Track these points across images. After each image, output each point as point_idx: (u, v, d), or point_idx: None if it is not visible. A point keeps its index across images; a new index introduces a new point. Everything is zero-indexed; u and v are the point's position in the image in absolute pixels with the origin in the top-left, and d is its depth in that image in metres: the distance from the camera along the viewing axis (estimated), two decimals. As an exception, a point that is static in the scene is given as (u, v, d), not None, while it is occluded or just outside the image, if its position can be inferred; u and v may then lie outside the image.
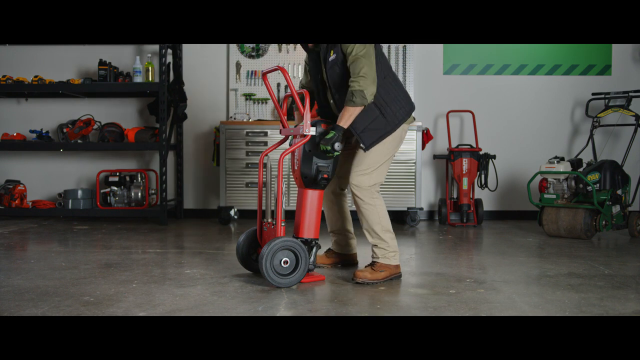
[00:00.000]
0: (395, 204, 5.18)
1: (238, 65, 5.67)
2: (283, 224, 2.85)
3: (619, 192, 4.63)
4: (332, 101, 3.06)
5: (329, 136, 2.80)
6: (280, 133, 3.16)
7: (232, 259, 3.47)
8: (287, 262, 2.78)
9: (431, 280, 3.00)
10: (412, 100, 3.08)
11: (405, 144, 4.98)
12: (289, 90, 4.32)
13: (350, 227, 3.33)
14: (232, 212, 5.23)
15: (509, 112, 5.73)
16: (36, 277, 2.99)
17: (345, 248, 3.34)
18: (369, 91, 2.79)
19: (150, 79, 5.33)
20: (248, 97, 5.66)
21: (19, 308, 2.42)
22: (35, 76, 5.29)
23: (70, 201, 5.33)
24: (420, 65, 5.70)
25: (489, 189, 5.44)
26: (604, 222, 4.39)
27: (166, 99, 5.18)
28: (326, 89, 3.07)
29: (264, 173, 3.12)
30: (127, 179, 5.48)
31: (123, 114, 5.74)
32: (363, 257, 3.40)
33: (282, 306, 2.47)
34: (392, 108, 2.94)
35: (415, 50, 5.67)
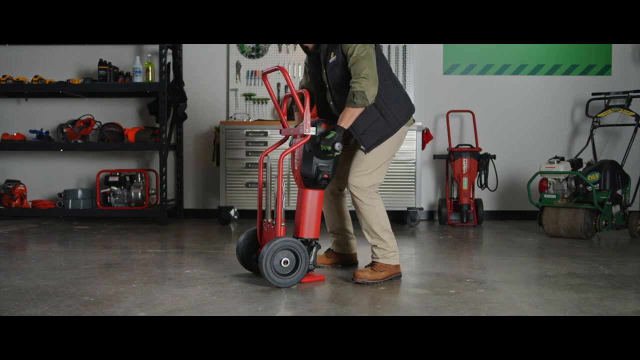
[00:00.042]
0: (395, 204, 5.18)
1: (238, 65, 5.67)
2: (283, 224, 2.85)
3: (619, 192, 4.63)
4: (332, 103, 3.06)
5: (329, 136, 2.80)
6: (280, 133, 3.16)
7: (232, 259, 3.47)
8: (287, 262, 2.78)
9: (431, 280, 3.00)
10: (412, 100, 3.09)
11: (405, 144, 4.97)
12: (289, 90, 4.32)
13: (350, 227, 3.33)
14: (232, 212, 5.23)
15: (509, 112, 5.73)
16: (36, 277, 2.99)
17: (345, 248, 3.34)
18: (370, 92, 2.79)
19: (150, 79, 5.33)
20: (248, 97, 5.66)
21: (19, 308, 2.42)
22: (35, 76, 5.29)
23: (70, 201, 5.33)
24: (420, 65, 5.70)
25: (489, 189, 5.44)
26: (604, 222, 4.39)
27: (166, 99, 5.18)
28: (326, 90, 3.07)
29: (264, 173, 3.12)
30: (127, 179, 5.48)
31: (123, 114, 5.74)
32: (363, 257, 3.40)
33: (282, 306, 2.47)
34: (393, 110, 2.94)
35: (415, 50, 5.66)
